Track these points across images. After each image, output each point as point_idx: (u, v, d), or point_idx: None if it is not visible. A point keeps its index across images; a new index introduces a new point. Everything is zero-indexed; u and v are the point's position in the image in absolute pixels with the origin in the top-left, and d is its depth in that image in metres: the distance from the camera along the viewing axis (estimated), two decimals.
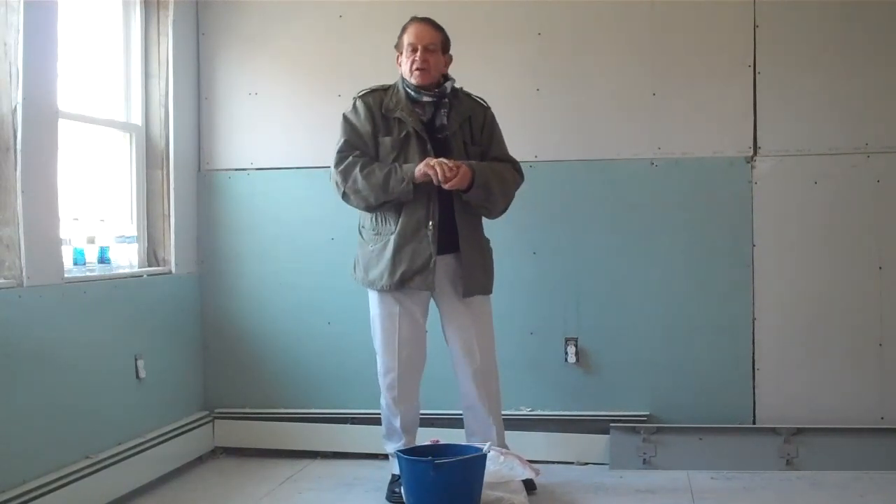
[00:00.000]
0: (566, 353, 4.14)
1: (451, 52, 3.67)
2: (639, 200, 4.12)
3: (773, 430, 3.95)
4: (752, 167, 4.05)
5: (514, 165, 3.73)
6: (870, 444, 3.88)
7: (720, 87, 4.06)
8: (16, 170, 3.20)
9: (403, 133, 3.56)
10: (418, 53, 3.54)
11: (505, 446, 3.70)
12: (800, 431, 3.93)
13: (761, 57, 4.03)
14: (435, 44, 3.57)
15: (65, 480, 3.27)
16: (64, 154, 3.47)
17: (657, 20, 4.10)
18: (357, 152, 3.56)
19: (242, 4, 4.38)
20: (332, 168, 3.58)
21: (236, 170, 4.40)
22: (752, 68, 4.03)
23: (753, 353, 4.04)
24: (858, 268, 3.99)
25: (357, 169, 3.51)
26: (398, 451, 3.48)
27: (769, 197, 4.04)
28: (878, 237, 3.98)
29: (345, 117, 3.64)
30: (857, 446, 3.88)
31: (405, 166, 3.49)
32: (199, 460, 4.22)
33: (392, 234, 3.54)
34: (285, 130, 4.36)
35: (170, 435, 3.98)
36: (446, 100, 3.60)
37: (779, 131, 4.03)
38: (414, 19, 3.61)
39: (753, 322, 4.04)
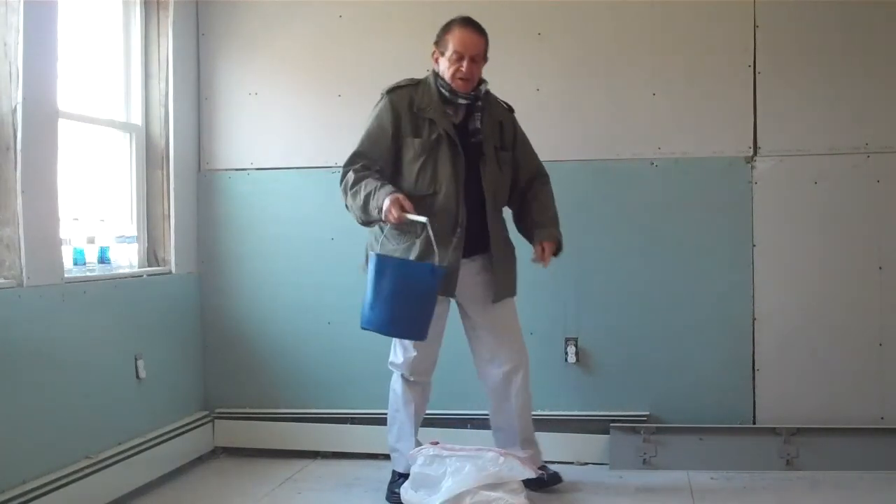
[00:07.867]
0: (566, 353, 4.14)
1: None
2: (639, 200, 4.12)
3: (773, 430, 3.95)
4: (752, 167, 4.04)
5: (546, 177, 3.75)
6: (870, 444, 3.88)
7: (720, 87, 4.06)
8: (16, 170, 3.20)
9: (435, 135, 3.48)
10: (464, 63, 3.44)
11: (534, 441, 3.72)
12: (800, 431, 3.93)
13: (761, 57, 4.03)
14: (480, 53, 3.49)
15: (65, 480, 3.27)
16: (64, 154, 3.47)
17: (657, 20, 4.10)
18: (358, 165, 3.47)
19: (242, 5, 4.38)
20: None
21: (236, 170, 4.40)
22: (752, 68, 4.03)
23: (753, 354, 4.04)
24: (858, 268, 3.99)
25: (349, 185, 3.44)
26: (377, 254, 3.42)
27: (769, 197, 4.04)
28: (878, 237, 3.98)
29: (374, 116, 3.52)
30: (857, 446, 3.88)
31: (380, 193, 3.36)
32: (199, 460, 4.22)
33: (418, 237, 3.45)
34: (285, 130, 4.36)
35: (170, 435, 3.98)
36: (480, 103, 3.55)
37: (779, 131, 4.03)
38: (461, 22, 3.48)
39: (753, 322, 4.04)
